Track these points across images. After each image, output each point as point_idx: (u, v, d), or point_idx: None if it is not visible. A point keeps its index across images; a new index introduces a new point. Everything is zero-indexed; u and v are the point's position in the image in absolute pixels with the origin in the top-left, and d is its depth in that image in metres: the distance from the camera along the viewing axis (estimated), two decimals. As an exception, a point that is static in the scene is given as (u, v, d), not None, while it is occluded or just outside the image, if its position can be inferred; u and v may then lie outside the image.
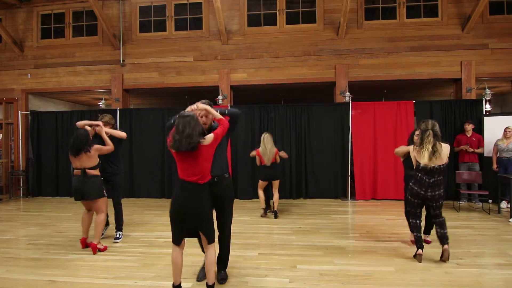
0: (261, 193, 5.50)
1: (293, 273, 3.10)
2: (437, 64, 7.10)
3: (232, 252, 3.67)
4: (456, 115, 6.80)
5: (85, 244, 3.90)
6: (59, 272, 3.18)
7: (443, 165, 3.35)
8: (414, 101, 7.00)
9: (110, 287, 2.87)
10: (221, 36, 7.52)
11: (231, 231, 3.01)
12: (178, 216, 2.51)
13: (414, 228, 3.52)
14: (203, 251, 2.89)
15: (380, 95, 9.26)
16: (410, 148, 3.60)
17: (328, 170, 7.12)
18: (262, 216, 5.49)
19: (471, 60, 7.00)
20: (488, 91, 6.72)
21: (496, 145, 6.09)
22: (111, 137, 4.11)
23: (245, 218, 5.41)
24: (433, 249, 3.67)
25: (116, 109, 7.69)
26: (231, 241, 3.03)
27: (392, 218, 5.38)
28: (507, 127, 5.98)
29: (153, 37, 7.90)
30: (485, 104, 6.95)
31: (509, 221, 5.01)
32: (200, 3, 7.74)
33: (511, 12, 7.05)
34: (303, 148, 7.23)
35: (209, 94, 7.88)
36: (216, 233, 2.82)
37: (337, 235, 4.40)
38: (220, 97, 7.41)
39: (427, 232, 4.00)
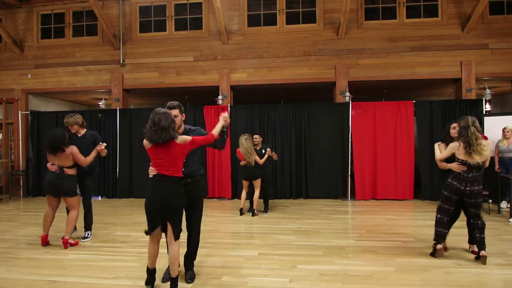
0: (244, 193, 5.71)
1: (293, 273, 3.10)
2: (437, 64, 7.10)
3: (232, 252, 3.70)
4: (456, 115, 6.78)
5: (46, 241, 3.94)
6: (59, 272, 3.18)
7: (484, 161, 3.31)
8: (414, 101, 7.00)
9: (110, 287, 2.87)
10: (221, 36, 7.51)
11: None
12: (151, 208, 2.61)
13: (439, 223, 3.44)
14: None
15: (380, 95, 9.25)
16: (455, 146, 3.41)
17: (328, 170, 7.11)
18: (241, 215, 5.59)
19: (471, 60, 7.00)
20: (488, 91, 6.72)
21: (497, 146, 6.10)
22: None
23: (246, 218, 5.42)
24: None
25: (116, 109, 7.69)
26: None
27: (392, 218, 5.38)
28: (505, 128, 5.99)
29: (153, 37, 7.90)
30: (485, 104, 6.95)
31: (509, 221, 5.02)
32: (200, 3, 7.74)
33: (511, 12, 7.05)
34: (303, 148, 7.23)
35: (209, 94, 7.91)
36: (186, 233, 2.91)
37: (337, 235, 4.40)
38: (220, 97, 7.41)
39: (472, 241, 3.63)
